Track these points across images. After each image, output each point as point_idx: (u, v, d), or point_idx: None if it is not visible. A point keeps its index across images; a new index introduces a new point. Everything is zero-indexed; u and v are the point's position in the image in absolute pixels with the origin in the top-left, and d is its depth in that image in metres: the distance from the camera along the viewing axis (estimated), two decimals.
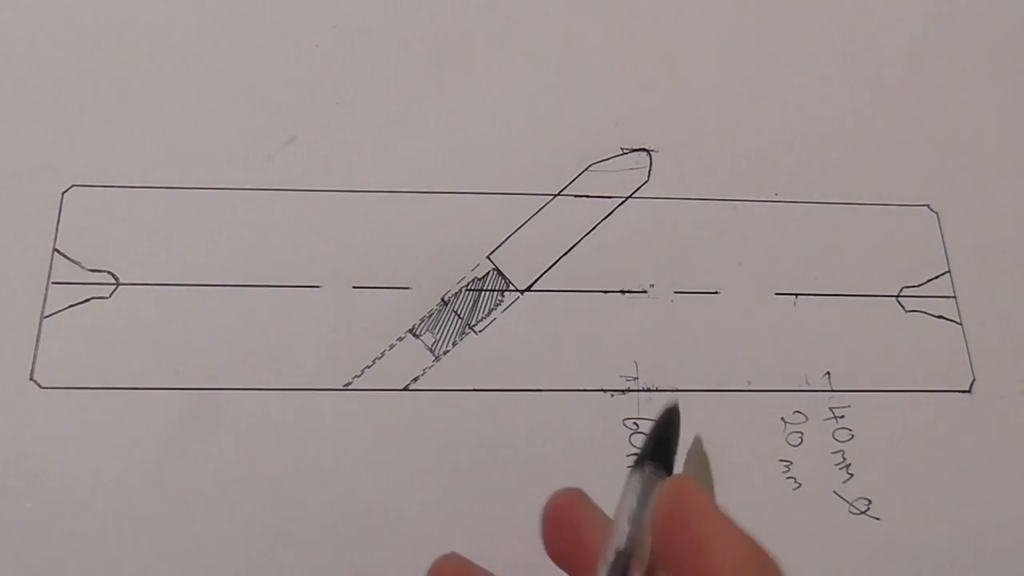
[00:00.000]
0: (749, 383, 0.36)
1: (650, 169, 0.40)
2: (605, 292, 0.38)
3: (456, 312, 0.37)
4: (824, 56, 0.43)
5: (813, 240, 0.39)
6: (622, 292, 0.38)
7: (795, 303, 0.38)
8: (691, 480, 0.25)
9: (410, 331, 0.36)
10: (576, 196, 0.39)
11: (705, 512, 0.24)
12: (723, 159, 0.41)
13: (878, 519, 0.35)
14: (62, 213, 0.37)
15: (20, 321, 0.35)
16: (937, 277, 0.39)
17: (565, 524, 0.25)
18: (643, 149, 0.40)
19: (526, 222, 0.39)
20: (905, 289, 0.39)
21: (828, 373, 0.37)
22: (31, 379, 0.34)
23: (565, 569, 0.25)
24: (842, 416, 0.36)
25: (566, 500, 0.26)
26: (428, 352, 0.36)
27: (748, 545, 0.23)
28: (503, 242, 0.38)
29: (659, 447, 0.27)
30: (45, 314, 0.35)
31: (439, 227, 0.38)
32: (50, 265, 0.36)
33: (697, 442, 0.30)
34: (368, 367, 0.36)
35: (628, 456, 0.35)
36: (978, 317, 0.38)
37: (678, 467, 0.27)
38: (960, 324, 0.38)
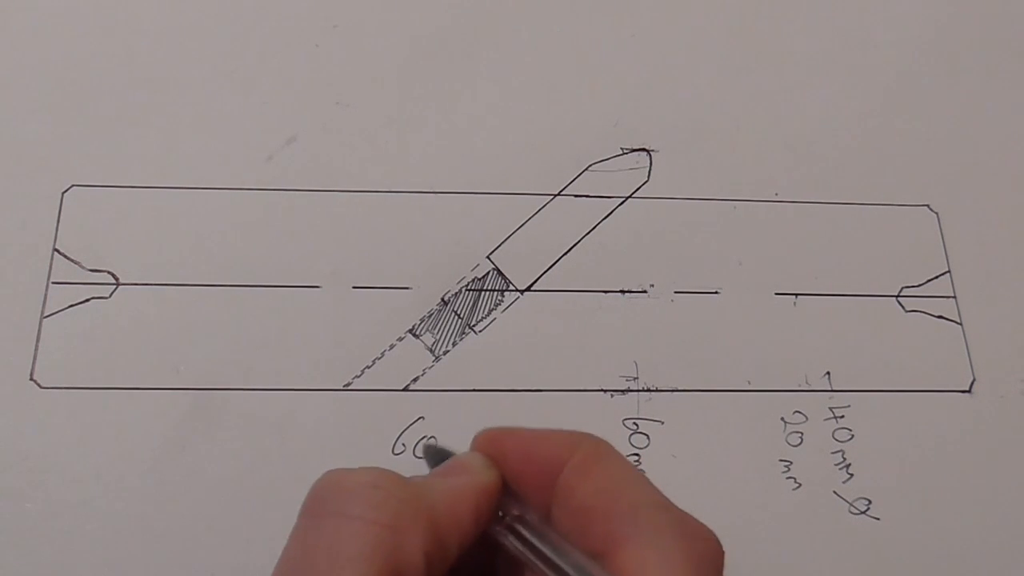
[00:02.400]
0: (749, 383, 0.36)
1: (650, 169, 0.40)
2: (605, 292, 0.38)
3: (456, 312, 0.37)
4: (824, 56, 0.43)
5: (813, 240, 0.39)
6: (622, 292, 0.38)
7: (795, 303, 0.38)
8: (485, 431, 0.27)
9: (410, 331, 0.36)
10: (576, 196, 0.39)
11: (514, 433, 0.25)
12: (723, 159, 0.41)
13: (878, 519, 0.35)
14: (62, 213, 0.37)
15: (20, 321, 0.35)
16: (937, 277, 0.39)
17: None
18: (643, 149, 0.40)
19: (526, 222, 0.39)
20: (905, 289, 0.39)
21: (828, 373, 0.37)
22: (31, 379, 0.34)
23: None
24: (842, 416, 0.36)
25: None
26: (428, 352, 0.36)
27: (565, 430, 0.25)
28: (503, 242, 0.38)
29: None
30: (45, 314, 0.35)
31: (439, 227, 0.38)
32: (50, 265, 0.36)
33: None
34: (368, 367, 0.36)
35: (628, 456, 0.35)
36: (978, 317, 0.38)
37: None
38: (960, 324, 0.38)
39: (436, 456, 0.27)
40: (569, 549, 0.23)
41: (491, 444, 0.26)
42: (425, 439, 0.34)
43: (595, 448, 0.24)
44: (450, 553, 0.23)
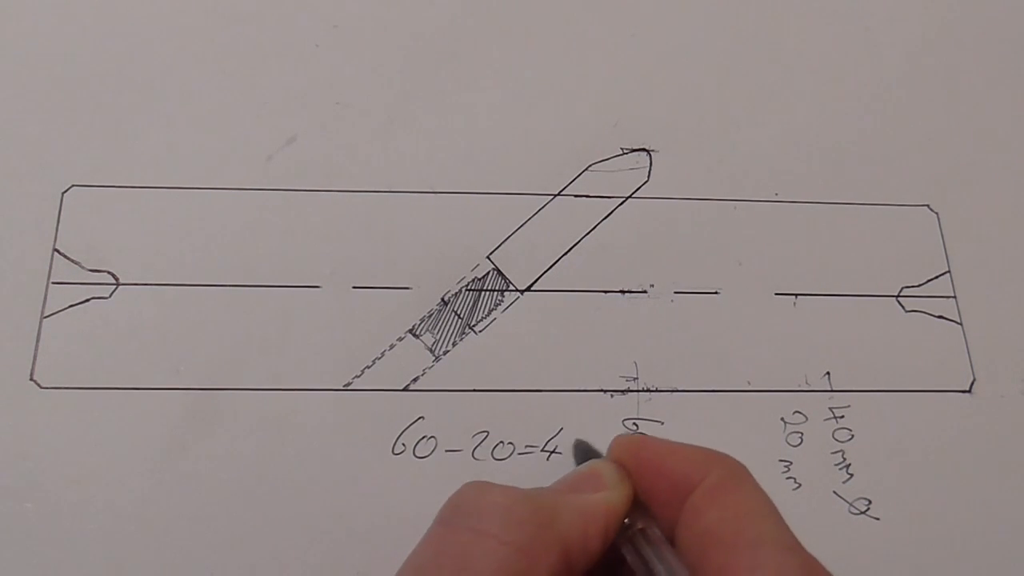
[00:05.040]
0: (749, 383, 0.36)
1: (650, 169, 0.40)
2: (605, 292, 0.38)
3: (456, 312, 0.37)
4: (824, 56, 0.43)
5: (813, 240, 0.39)
6: (622, 292, 0.38)
7: (795, 303, 0.38)
8: (628, 434, 0.29)
9: (410, 331, 0.36)
10: (576, 196, 0.39)
11: (654, 443, 0.26)
12: (723, 159, 0.41)
13: (878, 519, 0.35)
14: (62, 213, 0.37)
15: (20, 321, 0.35)
16: (937, 277, 0.39)
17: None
18: (643, 149, 0.40)
19: (526, 222, 0.39)
20: (905, 289, 0.39)
21: (828, 373, 0.37)
22: (31, 379, 0.34)
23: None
24: (842, 416, 0.36)
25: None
26: (428, 352, 0.36)
27: (702, 449, 0.25)
28: (503, 242, 0.38)
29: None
30: (45, 314, 0.35)
31: (439, 227, 0.38)
32: (50, 265, 0.36)
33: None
34: (368, 367, 0.36)
35: None
36: (978, 317, 0.38)
37: None
38: (960, 324, 0.38)
39: (585, 455, 0.27)
40: (682, 572, 0.23)
41: (627, 452, 0.26)
42: (575, 440, 0.34)
43: (730, 473, 0.24)
44: (576, 574, 0.23)
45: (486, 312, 0.37)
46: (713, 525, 0.23)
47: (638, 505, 0.25)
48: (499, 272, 0.38)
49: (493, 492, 0.23)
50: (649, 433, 0.35)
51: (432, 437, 0.35)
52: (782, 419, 0.36)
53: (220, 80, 0.40)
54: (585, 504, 0.24)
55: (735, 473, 0.24)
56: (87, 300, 0.36)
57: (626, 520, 0.24)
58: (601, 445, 0.35)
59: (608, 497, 0.24)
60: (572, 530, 0.23)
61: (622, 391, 0.36)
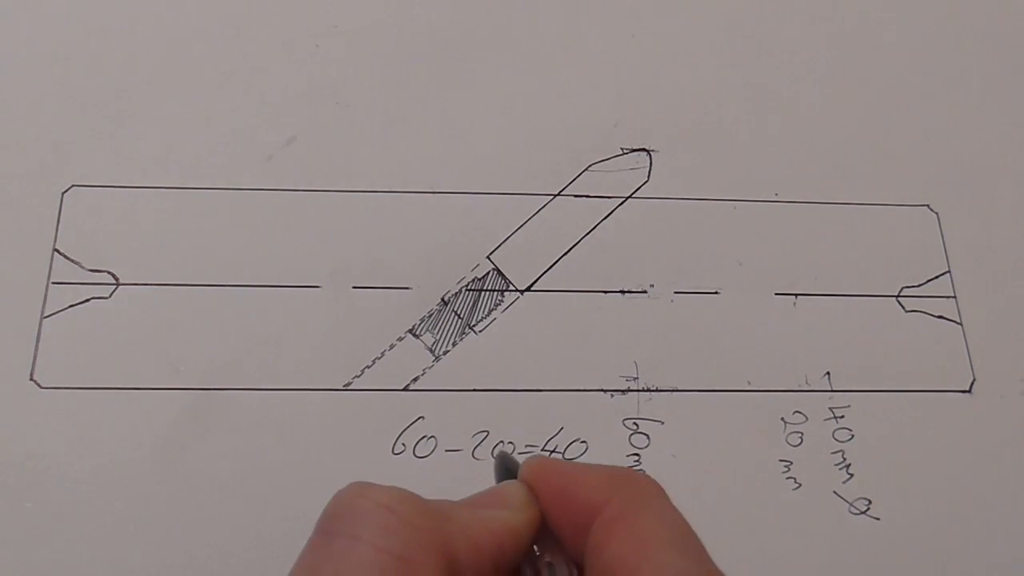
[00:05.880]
0: (749, 383, 0.36)
1: (650, 169, 0.40)
2: (605, 292, 0.38)
3: (456, 312, 0.37)
4: (824, 56, 0.43)
5: (813, 240, 0.39)
6: (622, 292, 0.38)
7: (795, 303, 0.38)
8: (539, 455, 0.26)
9: (410, 331, 0.36)
10: (576, 196, 0.39)
11: (562, 468, 0.24)
12: (723, 159, 0.41)
13: (878, 519, 0.35)
14: (62, 213, 0.37)
15: (20, 321, 0.35)
16: (937, 277, 0.39)
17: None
18: (643, 149, 0.40)
19: (526, 222, 0.39)
20: (905, 289, 0.39)
21: (828, 373, 0.37)
22: (31, 379, 0.34)
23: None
24: (842, 416, 0.36)
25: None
26: (428, 352, 0.36)
27: (610, 471, 0.23)
28: (503, 242, 0.38)
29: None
30: (45, 314, 0.35)
31: (439, 227, 0.38)
32: (50, 265, 0.36)
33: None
34: (368, 367, 0.36)
35: (628, 456, 0.35)
36: (978, 317, 0.38)
37: None
38: (960, 324, 0.38)
39: (504, 468, 0.26)
40: None
41: (534, 476, 0.24)
42: (499, 446, 0.33)
43: (632, 498, 0.22)
44: None
45: (486, 312, 0.37)
46: (613, 560, 0.21)
47: (548, 534, 0.23)
48: (499, 272, 0.38)
49: (373, 492, 0.22)
50: (649, 433, 0.35)
51: (432, 437, 0.35)
52: (782, 419, 0.36)
53: (220, 80, 0.40)
54: (480, 518, 0.22)
55: (638, 498, 0.22)
56: (87, 300, 0.36)
57: (536, 549, 0.23)
58: (599, 444, 0.35)
59: (508, 516, 0.23)
60: (458, 539, 0.21)
61: (622, 391, 0.36)
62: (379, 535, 0.21)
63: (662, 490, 0.23)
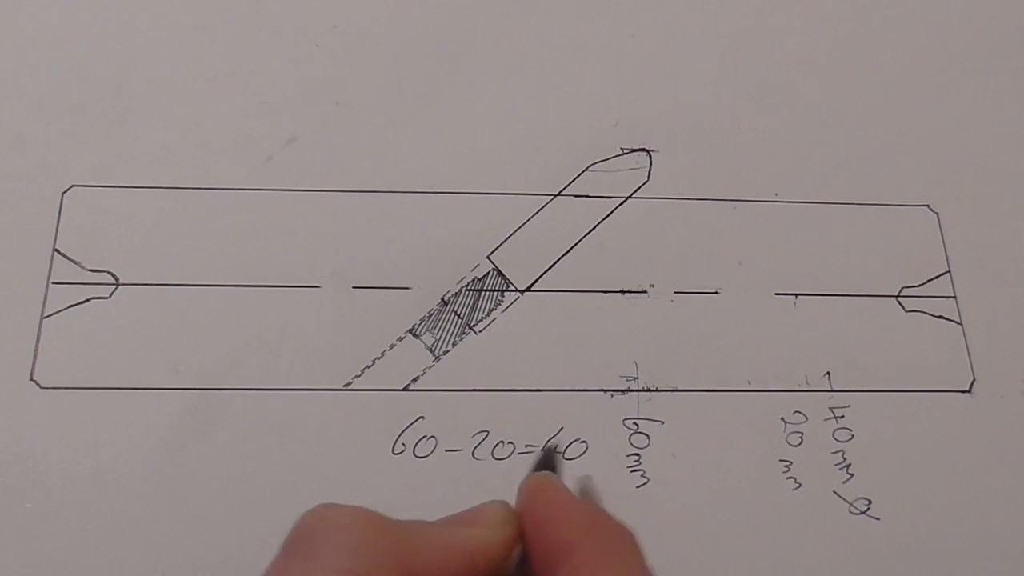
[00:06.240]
0: (749, 383, 0.36)
1: (650, 169, 0.40)
2: (605, 292, 0.38)
3: (456, 312, 0.37)
4: (824, 56, 0.43)
5: (813, 240, 0.39)
6: (622, 292, 0.38)
7: (795, 303, 0.38)
8: (542, 475, 0.26)
9: (410, 331, 0.36)
10: (576, 196, 0.39)
11: (551, 495, 0.24)
12: (723, 159, 0.41)
13: (878, 519, 0.35)
14: (62, 213, 0.37)
15: (20, 321, 0.35)
16: (937, 277, 0.39)
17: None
18: (643, 149, 0.40)
19: (526, 222, 0.39)
20: (905, 289, 0.39)
21: (828, 373, 0.37)
22: (31, 379, 0.34)
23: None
24: (842, 416, 0.36)
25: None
26: (428, 352, 0.36)
27: (591, 516, 0.23)
28: (503, 242, 0.38)
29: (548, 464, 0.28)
30: (45, 314, 0.35)
31: (439, 227, 0.38)
32: (50, 265, 0.36)
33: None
34: (368, 367, 0.36)
35: (628, 456, 0.35)
36: (978, 317, 0.38)
37: None
38: (960, 324, 0.38)
39: (542, 465, 0.26)
40: None
41: (527, 496, 0.24)
42: (552, 439, 0.33)
43: (602, 550, 0.22)
44: None
45: (486, 312, 0.37)
46: None
47: (524, 560, 0.23)
48: (499, 272, 0.38)
49: (333, 513, 0.22)
50: (649, 433, 0.35)
51: (432, 437, 0.35)
52: (782, 419, 0.36)
53: (220, 80, 0.40)
54: (449, 536, 0.22)
55: (608, 551, 0.22)
56: (87, 300, 0.36)
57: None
58: (599, 444, 0.35)
59: (481, 535, 0.23)
60: (419, 558, 0.21)
61: (622, 391, 0.36)
62: (338, 556, 0.21)
63: (634, 544, 0.23)
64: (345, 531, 0.21)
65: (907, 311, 0.38)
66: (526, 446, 0.35)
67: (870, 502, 0.35)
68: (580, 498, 0.26)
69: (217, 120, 0.39)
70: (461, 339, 0.36)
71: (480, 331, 0.37)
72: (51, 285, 0.36)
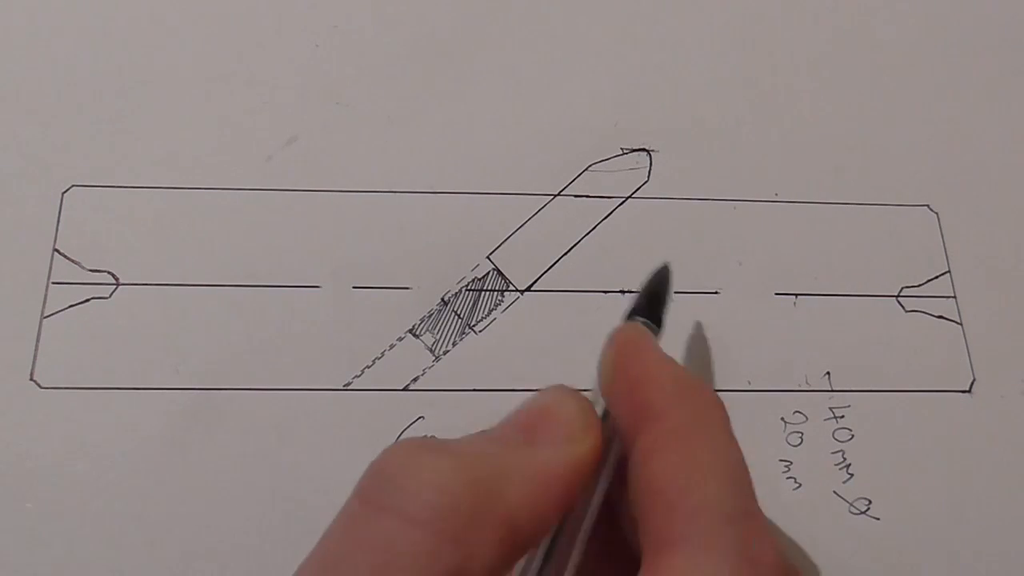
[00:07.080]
0: (749, 383, 0.36)
1: (650, 169, 0.40)
2: (605, 292, 0.38)
3: (456, 312, 0.37)
4: (824, 56, 0.43)
5: (813, 240, 0.39)
6: (622, 292, 0.38)
7: (795, 303, 0.38)
8: (635, 326, 0.25)
9: (410, 331, 0.36)
10: (576, 196, 0.39)
11: (643, 353, 0.22)
12: (723, 159, 0.41)
13: (878, 519, 0.35)
14: (62, 213, 0.37)
15: (20, 321, 0.35)
16: (937, 277, 0.39)
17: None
18: (643, 149, 0.40)
19: (526, 222, 0.39)
20: (905, 289, 0.39)
21: (828, 373, 0.37)
22: (31, 379, 0.34)
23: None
24: (842, 416, 0.36)
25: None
26: (428, 352, 0.36)
27: (681, 378, 0.22)
28: (503, 242, 0.38)
29: (651, 303, 0.26)
30: (45, 314, 0.35)
31: (439, 227, 0.38)
32: (50, 265, 0.36)
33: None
34: (368, 367, 0.36)
35: None
36: (978, 317, 0.38)
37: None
38: (960, 324, 0.38)
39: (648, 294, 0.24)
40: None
41: (619, 353, 0.22)
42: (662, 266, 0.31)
43: (694, 415, 0.21)
44: (521, 553, 0.19)
45: (486, 312, 0.37)
46: (660, 476, 0.20)
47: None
48: (499, 272, 0.38)
49: (425, 461, 0.19)
50: None
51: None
52: (782, 419, 0.36)
53: (220, 80, 0.40)
54: (538, 468, 0.20)
55: (700, 417, 0.21)
56: (87, 300, 0.36)
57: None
58: None
59: (570, 453, 0.20)
60: (521, 506, 0.19)
61: None
62: (434, 515, 0.18)
63: (724, 414, 0.21)
64: (437, 489, 0.19)
65: (907, 311, 0.38)
66: None
67: (870, 502, 0.35)
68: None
69: (217, 120, 0.39)
70: (461, 339, 0.36)
71: (480, 331, 0.37)
72: (51, 285, 0.36)
